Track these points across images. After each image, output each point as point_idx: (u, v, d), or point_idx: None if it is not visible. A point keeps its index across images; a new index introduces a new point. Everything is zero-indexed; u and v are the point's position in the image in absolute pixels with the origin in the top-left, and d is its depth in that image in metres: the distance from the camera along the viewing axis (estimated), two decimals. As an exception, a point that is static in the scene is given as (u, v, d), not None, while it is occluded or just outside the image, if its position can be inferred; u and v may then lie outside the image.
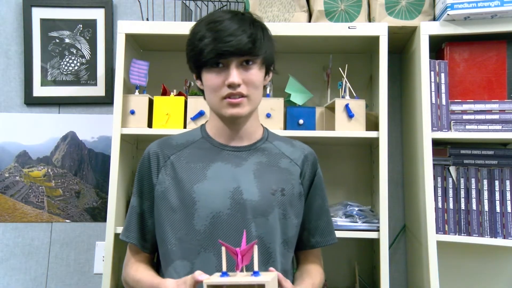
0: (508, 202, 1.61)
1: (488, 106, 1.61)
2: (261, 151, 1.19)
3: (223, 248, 0.90)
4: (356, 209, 1.67)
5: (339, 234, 1.60)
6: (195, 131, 1.24)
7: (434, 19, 1.70)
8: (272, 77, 1.61)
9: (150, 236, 1.18)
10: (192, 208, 1.09)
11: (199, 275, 0.93)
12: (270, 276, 0.88)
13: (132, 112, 1.68)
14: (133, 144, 1.89)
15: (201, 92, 1.21)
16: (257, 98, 1.13)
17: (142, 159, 1.21)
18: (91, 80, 1.99)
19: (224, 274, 0.88)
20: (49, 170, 1.98)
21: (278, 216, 1.12)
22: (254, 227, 1.08)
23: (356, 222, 1.63)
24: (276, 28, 1.66)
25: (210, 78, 1.10)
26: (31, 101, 1.99)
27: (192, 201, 1.10)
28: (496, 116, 1.60)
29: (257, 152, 1.18)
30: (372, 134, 1.63)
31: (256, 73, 1.10)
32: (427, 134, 1.57)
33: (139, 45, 1.90)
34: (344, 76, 1.69)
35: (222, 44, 1.05)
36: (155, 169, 1.17)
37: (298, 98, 1.73)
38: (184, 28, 1.68)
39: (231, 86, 1.07)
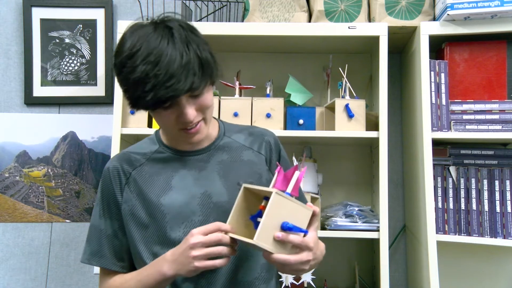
0: (508, 202, 1.61)
1: (488, 106, 1.61)
2: (221, 149, 1.15)
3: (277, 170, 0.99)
4: (356, 209, 1.67)
5: (339, 234, 1.60)
6: (149, 141, 1.18)
7: (434, 19, 1.70)
8: (271, 77, 1.58)
9: (126, 255, 1.14)
10: (163, 221, 1.06)
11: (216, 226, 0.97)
12: (275, 190, 0.93)
13: (132, 112, 1.68)
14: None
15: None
16: (211, 113, 1.08)
17: (103, 179, 1.15)
18: (91, 80, 1.99)
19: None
20: (49, 170, 1.98)
21: None
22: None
23: (356, 222, 1.62)
24: (276, 28, 1.67)
25: (160, 116, 1.03)
26: (31, 101, 1.99)
27: (162, 215, 1.06)
28: (496, 116, 1.60)
29: (217, 151, 1.14)
30: (372, 134, 1.63)
31: (206, 97, 1.03)
32: (427, 134, 1.57)
33: (139, 45, 1.89)
34: (344, 76, 1.69)
35: (166, 90, 0.95)
36: (118, 188, 1.12)
37: (298, 98, 1.73)
38: (184, 28, 1.69)
39: (187, 123, 1.02)
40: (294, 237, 0.92)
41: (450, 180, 1.65)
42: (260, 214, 0.93)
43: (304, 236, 0.94)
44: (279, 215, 0.88)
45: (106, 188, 1.13)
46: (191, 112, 1.00)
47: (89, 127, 1.99)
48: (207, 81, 1.02)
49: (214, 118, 1.19)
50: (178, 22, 1.06)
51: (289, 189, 0.92)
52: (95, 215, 1.15)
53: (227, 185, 1.09)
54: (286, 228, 0.90)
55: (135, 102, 1.00)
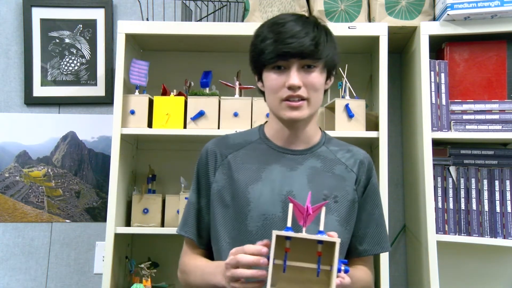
0: (508, 202, 1.61)
1: (488, 106, 1.61)
2: (317, 156, 1.18)
3: (290, 205, 0.90)
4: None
5: (339, 234, 1.60)
6: (252, 131, 1.24)
7: (434, 19, 1.70)
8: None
9: (205, 233, 1.19)
10: (246, 209, 1.10)
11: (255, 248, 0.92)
12: (338, 239, 0.87)
13: (132, 112, 1.68)
14: (133, 144, 1.89)
15: (261, 94, 1.21)
16: (317, 101, 1.12)
17: (200, 157, 1.21)
18: (91, 80, 1.99)
19: (289, 229, 0.88)
20: (49, 170, 1.98)
21: (331, 222, 1.10)
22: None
23: (356, 222, 1.62)
24: (276, 28, 1.67)
25: (270, 79, 1.10)
26: (31, 101, 1.99)
27: (247, 202, 1.10)
28: (496, 116, 1.60)
29: (313, 156, 1.17)
30: (372, 134, 1.63)
31: (317, 76, 1.09)
32: (427, 134, 1.57)
33: (139, 45, 1.90)
34: (344, 76, 1.69)
35: (283, 45, 1.05)
36: (213, 167, 1.18)
37: (298, 98, 1.72)
38: (184, 28, 1.69)
39: (291, 88, 1.07)
40: (348, 280, 0.91)
41: (450, 180, 1.65)
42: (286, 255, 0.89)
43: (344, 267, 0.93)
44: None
45: (201, 167, 1.20)
46: (297, 77, 1.06)
47: (89, 127, 1.99)
48: (322, 59, 1.09)
49: (320, 128, 1.25)
50: (319, 19, 1.16)
51: (321, 227, 0.89)
52: (191, 190, 1.23)
53: (313, 192, 1.08)
54: (339, 271, 0.88)
55: (257, 58, 1.10)
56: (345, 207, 1.14)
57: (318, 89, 1.10)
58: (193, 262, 1.17)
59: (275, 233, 0.86)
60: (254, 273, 0.89)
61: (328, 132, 1.65)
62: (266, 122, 1.24)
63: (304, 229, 0.89)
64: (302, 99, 1.08)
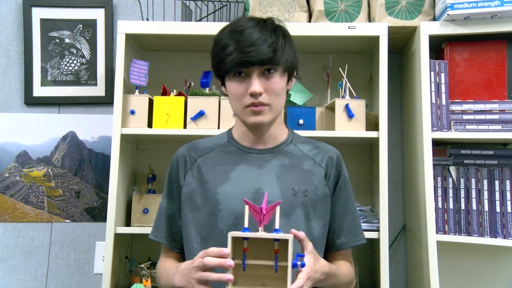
0: (508, 202, 1.61)
1: (488, 106, 1.61)
2: (284, 154, 1.20)
3: (246, 207, 0.94)
4: (356, 209, 1.67)
5: (339, 234, 1.60)
6: (221, 135, 1.27)
7: (434, 19, 1.70)
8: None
9: (179, 236, 1.22)
10: (216, 209, 1.12)
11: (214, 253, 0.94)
12: (291, 236, 0.92)
13: (132, 112, 1.68)
14: (133, 144, 1.89)
15: (226, 96, 1.23)
16: (279, 105, 1.15)
17: (171, 163, 1.25)
18: (91, 80, 1.99)
19: (246, 229, 0.92)
20: (49, 170, 1.98)
21: (301, 217, 1.13)
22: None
23: (356, 222, 1.62)
24: (276, 28, 1.67)
25: (232, 87, 1.12)
26: (31, 101, 1.99)
27: (217, 202, 1.13)
28: (496, 116, 1.60)
29: (280, 154, 1.20)
30: (372, 134, 1.63)
31: (277, 81, 1.12)
32: (427, 134, 1.57)
33: (139, 45, 1.90)
34: (344, 76, 1.69)
35: (243, 54, 1.07)
36: (183, 171, 1.21)
37: (298, 98, 1.73)
38: (184, 28, 1.69)
39: (253, 95, 1.09)
40: (300, 284, 0.92)
41: (450, 180, 1.65)
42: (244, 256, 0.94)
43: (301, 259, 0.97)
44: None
45: (172, 172, 1.24)
46: (258, 84, 1.08)
47: (89, 127, 1.99)
48: (282, 64, 1.11)
49: (287, 127, 1.28)
50: (277, 20, 1.17)
51: (277, 225, 0.93)
52: (162, 195, 1.26)
53: (281, 187, 1.14)
54: (296, 265, 0.92)
55: (217, 66, 1.13)
56: (316, 201, 1.16)
57: (279, 94, 1.13)
58: (163, 266, 1.20)
59: (230, 234, 0.91)
60: (221, 277, 0.91)
61: (328, 132, 1.66)
62: (234, 125, 1.27)
63: (260, 228, 0.93)
64: (264, 104, 1.11)
